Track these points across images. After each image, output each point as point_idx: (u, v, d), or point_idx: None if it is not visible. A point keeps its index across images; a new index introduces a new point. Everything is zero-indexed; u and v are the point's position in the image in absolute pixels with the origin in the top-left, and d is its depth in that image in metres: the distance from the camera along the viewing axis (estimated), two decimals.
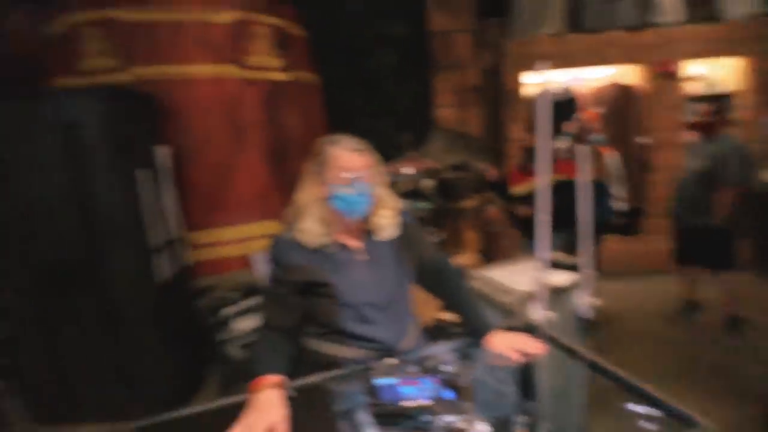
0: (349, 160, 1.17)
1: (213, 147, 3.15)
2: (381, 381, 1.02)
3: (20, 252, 2.47)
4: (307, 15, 3.86)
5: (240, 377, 2.83)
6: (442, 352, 1.20)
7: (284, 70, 3.49)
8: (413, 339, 1.30)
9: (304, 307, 1.22)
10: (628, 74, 4.38)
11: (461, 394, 1.04)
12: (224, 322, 2.91)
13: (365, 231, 1.28)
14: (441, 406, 0.98)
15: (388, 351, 1.21)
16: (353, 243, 1.26)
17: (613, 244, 3.24)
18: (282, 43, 3.47)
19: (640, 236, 3.84)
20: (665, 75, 4.17)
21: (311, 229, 1.20)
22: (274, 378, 1.04)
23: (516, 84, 4.31)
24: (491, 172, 3.01)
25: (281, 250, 1.22)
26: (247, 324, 2.97)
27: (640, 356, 2.78)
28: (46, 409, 2.66)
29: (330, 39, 4.50)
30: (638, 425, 0.96)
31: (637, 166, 4.33)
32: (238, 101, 3.19)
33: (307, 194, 1.23)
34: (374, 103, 4.85)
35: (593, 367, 1.13)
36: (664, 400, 0.95)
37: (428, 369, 1.10)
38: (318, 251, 1.21)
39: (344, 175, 1.16)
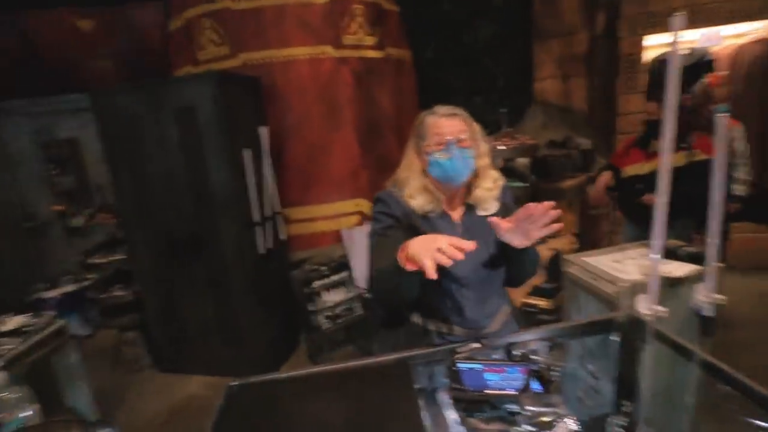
0: (444, 125, 1.17)
1: (309, 126, 3.29)
2: (465, 365, 1.00)
3: (146, 224, 2.85)
4: None
5: (326, 346, 3.03)
6: (531, 340, 1.14)
7: (377, 47, 3.49)
8: (501, 322, 1.26)
9: None
10: None
11: (550, 387, 0.99)
12: (315, 294, 3.10)
13: (466, 204, 1.26)
14: (527, 397, 0.93)
15: (474, 330, 1.19)
16: (453, 214, 1.25)
17: (745, 235, 2.76)
18: (376, 19, 3.46)
19: None
20: None
21: (414, 199, 1.20)
22: None
23: (635, 49, 3.82)
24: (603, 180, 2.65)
25: (386, 201, 1.23)
26: (334, 297, 3.13)
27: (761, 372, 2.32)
28: (165, 359, 3.10)
29: (424, 13, 4.38)
30: None
31: None
32: (333, 81, 3.28)
33: (407, 168, 1.24)
34: (469, 77, 4.66)
35: (709, 369, 0.98)
36: None
37: (515, 357, 1.05)
38: (421, 216, 1.21)
39: (439, 139, 1.15)
